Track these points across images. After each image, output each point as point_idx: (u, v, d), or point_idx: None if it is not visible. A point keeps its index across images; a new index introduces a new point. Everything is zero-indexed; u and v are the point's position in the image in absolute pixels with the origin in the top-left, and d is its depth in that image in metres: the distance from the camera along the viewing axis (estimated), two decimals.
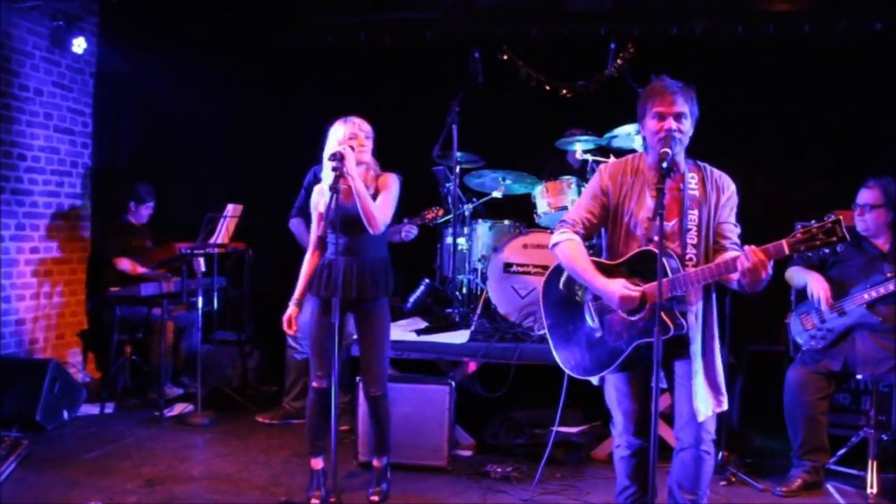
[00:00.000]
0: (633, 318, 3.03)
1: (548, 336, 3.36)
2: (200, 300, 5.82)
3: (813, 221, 2.76)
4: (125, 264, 6.08)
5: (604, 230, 3.25)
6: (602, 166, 3.32)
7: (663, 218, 2.80)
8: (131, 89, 6.97)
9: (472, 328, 5.17)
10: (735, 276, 2.88)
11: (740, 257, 2.82)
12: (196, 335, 5.94)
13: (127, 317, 6.05)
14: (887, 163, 5.92)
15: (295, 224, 5.54)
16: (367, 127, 4.03)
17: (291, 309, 4.07)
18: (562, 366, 3.31)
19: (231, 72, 7.09)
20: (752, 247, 2.81)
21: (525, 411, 5.05)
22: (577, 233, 3.18)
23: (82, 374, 6.01)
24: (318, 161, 5.13)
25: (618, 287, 2.98)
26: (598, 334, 3.17)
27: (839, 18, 6.40)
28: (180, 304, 6.20)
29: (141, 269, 6.10)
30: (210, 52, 7.02)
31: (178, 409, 5.87)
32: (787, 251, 2.77)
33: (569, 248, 3.15)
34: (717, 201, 3.12)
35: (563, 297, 3.31)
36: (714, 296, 3.15)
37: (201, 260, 5.84)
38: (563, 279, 3.30)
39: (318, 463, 4.17)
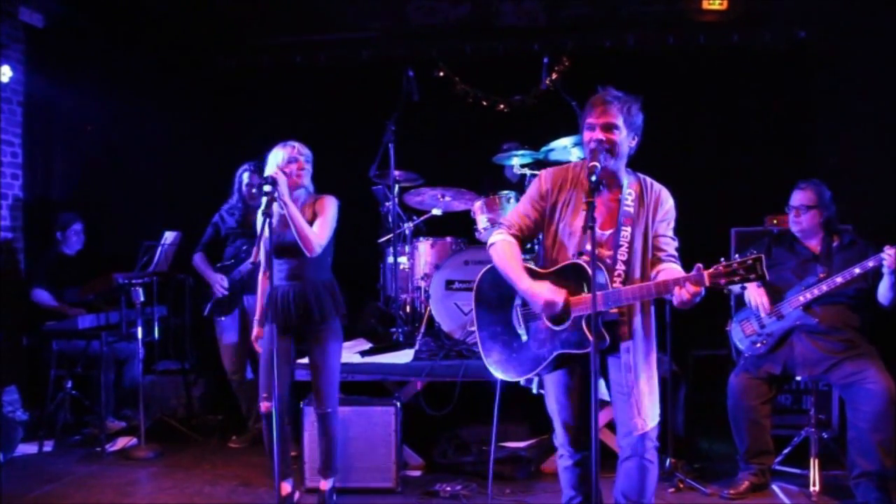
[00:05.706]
0: (557, 328, 3.05)
1: (476, 335, 3.36)
2: (140, 330, 5.67)
3: (736, 256, 2.81)
4: (42, 296, 5.92)
5: (541, 235, 3.27)
6: (543, 171, 3.32)
7: (594, 231, 2.80)
8: (62, 117, 6.76)
9: (417, 347, 5.14)
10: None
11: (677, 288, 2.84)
12: (137, 366, 5.81)
13: (65, 351, 5.87)
14: (817, 165, 6.07)
15: (198, 259, 5.65)
16: (306, 151, 4.09)
17: (256, 329, 4.16)
18: (486, 362, 3.31)
19: (166, 96, 7.00)
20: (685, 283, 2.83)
21: (472, 428, 5.01)
22: (513, 235, 3.22)
23: (19, 413, 5.83)
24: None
25: (543, 290, 3.01)
26: (524, 339, 3.20)
27: (765, 28, 6.57)
28: (120, 336, 6.04)
29: (72, 306, 5.94)
30: (144, 78, 6.92)
31: (121, 443, 5.72)
32: (707, 283, 2.80)
33: (502, 248, 3.19)
34: (654, 217, 3.14)
35: (494, 299, 3.31)
36: (653, 311, 3.17)
37: (140, 289, 5.70)
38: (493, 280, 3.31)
39: (285, 487, 4.11)
